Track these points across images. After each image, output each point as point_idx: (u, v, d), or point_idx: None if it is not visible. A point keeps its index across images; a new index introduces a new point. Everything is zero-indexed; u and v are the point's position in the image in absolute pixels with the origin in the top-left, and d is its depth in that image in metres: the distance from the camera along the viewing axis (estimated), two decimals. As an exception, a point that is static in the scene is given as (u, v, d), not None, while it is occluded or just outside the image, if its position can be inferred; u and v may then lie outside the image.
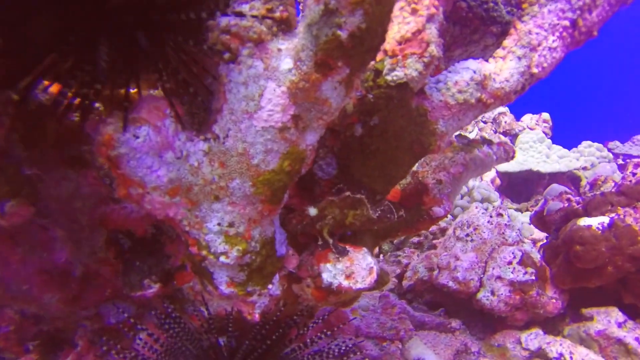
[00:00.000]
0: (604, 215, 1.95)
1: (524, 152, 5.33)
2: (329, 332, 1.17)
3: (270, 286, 0.92)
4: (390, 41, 0.86)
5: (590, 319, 2.09)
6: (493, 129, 5.57)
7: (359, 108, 0.93)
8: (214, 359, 1.11)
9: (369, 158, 1.01)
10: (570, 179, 4.96)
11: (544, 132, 5.67)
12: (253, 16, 0.72)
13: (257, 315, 0.93)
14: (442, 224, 3.12)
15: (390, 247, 3.35)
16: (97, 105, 1.01)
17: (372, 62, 0.91)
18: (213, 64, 0.78)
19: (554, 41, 0.95)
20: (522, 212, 4.29)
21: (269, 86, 0.72)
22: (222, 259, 0.80)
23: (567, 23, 0.93)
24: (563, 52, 0.99)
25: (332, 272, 0.96)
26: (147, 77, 0.92)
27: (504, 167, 4.94)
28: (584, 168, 5.14)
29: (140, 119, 0.67)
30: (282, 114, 0.73)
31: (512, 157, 1.45)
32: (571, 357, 1.96)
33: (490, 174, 4.80)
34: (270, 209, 0.82)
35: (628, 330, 1.96)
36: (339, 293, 0.99)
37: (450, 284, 2.18)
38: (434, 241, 3.01)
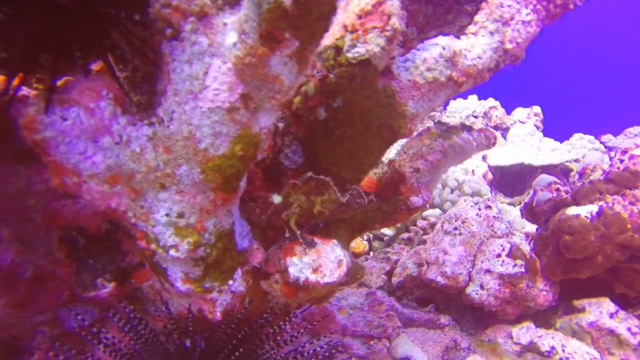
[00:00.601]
0: (592, 203, 1.91)
1: (516, 145, 5.30)
2: (303, 331, 1.11)
3: (230, 282, 0.86)
4: (350, 15, 0.81)
5: (582, 310, 2.04)
6: (484, 123, 5.54)
7: (320, 89, 0.87)
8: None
9: (336, 144, 0.95)
10: (562, 171, 4.94)
11: (535, 126, 5.65)
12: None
13: (218, 314, 0.87)
14: (433, 218, 3.06)
15: (380, 244, 3.30)
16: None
17: (333, 40, 0.85)
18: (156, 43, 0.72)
19: (527, 14, 0.90)
20: (514, 206, 4.25)
21: (214, 63, 0.67)
22: (172, 252, 0.74)
23: (539, -6, 0.88)
24: (538, 27, 0.93)
25: (299, 266, 0.91)
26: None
27: (496, 160, 4.91)
28: (576, 160, 5.12)
29: (70, 99, 0.61)
30: (229, 93, 0.68)
31: (494, 144, 1.40)
32: (563, 350, 1.90)
33: (481, 168, 4.76)
34: (224, 198, 0.76)
35: (620, 321, 1.91)
36: (307, 288, 0.93)
37: (439, 279, 2.12)
38: (424, 237, 2.95)
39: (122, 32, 0.74)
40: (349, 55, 0.82)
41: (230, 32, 0.66)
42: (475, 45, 0.93)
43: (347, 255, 0.97)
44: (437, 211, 3.19)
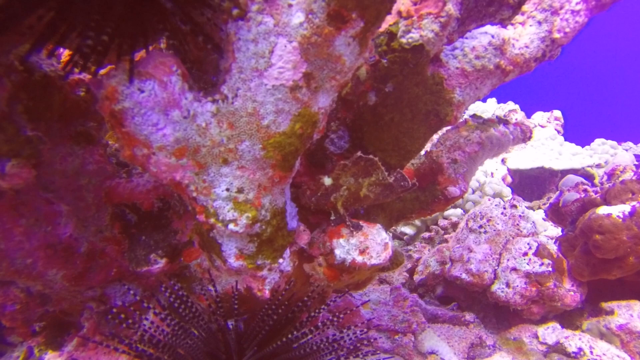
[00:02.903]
0: (624, 203, 1.89)
1: (536, 149, 5.24)
2: (341, 315, 1.12)
3: (281, 260, 0.88)
4: (404, 2, 0.83)
5: (611, 313, 2.01)
6: (503, 126, 5.48)
7: (372, 74, 0.89)
8: (222, 342, 1.08)
9: (383, 130, 0.97)
10: (583, 176, 4.87)
11: (555, 130, 5.58)
12: (263, -32, 0.69)
13: (267, 292, 0.89)
14: (454, 218, 3.06)
15: (400, 243, 3.30)
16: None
17: (387, 26, 0.87)
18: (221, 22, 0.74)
19: (577, 4, 0.91)
20: (534, 210, 4.21)
21: (280, 42, 0.69)
22: (231, 226, 0.77)
23: (591, -17, 0.89)
24: (587, 17, 0.94)
25: (346, 248, 0.92)
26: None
27: (515, 164, 4.87)
28: (598, 165, 5.05)
29: (146, 72, 0.64)
30: (294, 72, 0.70)
31: (529, 138, 1.40)
32: (591, 352, 1.88)
33: (500, 171, 4.73)
34: (281, 176, 0.78)
35: (651, 324, 1.88)
36: (352, 270, 0.95)
37: (464, 276, 2.12)
38: (445, 236, 2.95)
39: (182, 16, 0.77)
40: (403, 40, 0.84)
41: (297, 12, 0.68)
42: (523, 35, 0.94)
43: (391, 239, 0.99)
44: (458, 211, 3.18)
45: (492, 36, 0.91)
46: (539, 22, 0.93)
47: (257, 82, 0.70)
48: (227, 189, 0.75)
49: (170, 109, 0.68)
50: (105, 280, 1.07)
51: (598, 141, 5.47)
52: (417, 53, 0.85)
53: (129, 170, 1.13)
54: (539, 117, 5.92)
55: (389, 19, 0.87)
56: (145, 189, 0.93)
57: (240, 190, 0.76)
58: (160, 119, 0.67)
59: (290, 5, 0.70)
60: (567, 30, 0.94)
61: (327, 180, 0.88)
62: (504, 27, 1.04)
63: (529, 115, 5.88)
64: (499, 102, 6.06)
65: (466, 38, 0.93)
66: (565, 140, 5.25)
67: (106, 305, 1.12)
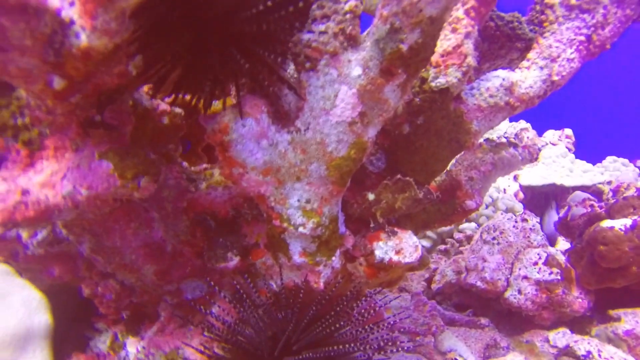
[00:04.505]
0: (626, 218, 2.06)
1: (547, 166, 5.38)
2: (372, 312, 1.32)
3: (334, 258, 1.09)
4: (434, 54, 1.05)
5: (618, 319, 2.17)
6: (515, 144, 5.64)
7: (407, 110, 1.12)
8: (280, 329, 1.28)
9: (414, 153, 1.19)
10: (595, 193, 4.99)
11: (567, 148, 5.71)
12: (323, 32, 0.92)
13: (322, 284, 1.11)
14: (469, 231, 3.24)
15: (417, 255, 3.48)
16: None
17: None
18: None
19: (571, 53, 1.13)
20: (546, 225, 4.34)
21: (342, 89, 0.92)
22: (301, 229, 0.99)
23: (582, 38, 1.11)
24: (579, 63, 1.16)
25: (384, 249, 1.14)
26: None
27: (527, 180, 5.01)
28: (609, 182, 5.16)
29: (246, 112, 0.88)
30: (352, 111, 0.93)
31: (536, 159, 1.61)
32: (599, 355, 2.03)
33: (513, 188, 4.88)
34: (338, 190, 1.01)
35: (655, 329, 2.03)
36: (389, 268, 1.16)
37: (479, 283, 2.30)
38: (460, 248, 3.12)
39: (267, 68, 1.01)
40: (432, 84, 1.07)
41: (356, 67, 0.91)
42: (528, 77, 1.17)
43: (419, 242, 1.20)
44: (472, 225, 3.36)
45: (503, 79, 1.13)
46: (541, 68, 1.15)
47: (324, 118, 0.93)
48: (298, 200, 0.98)
49: (261, 139, 0.91)
50: (183, 276, 1.29)
51: (609, 159, 5.57)
52: (443, 94, 1.08)
53: (196, 184, 1.36)
54: (550, 134, 6.07)
55: (421, 67, 1.10)
56: (222, 200, 1.16)
57: (308, 201, 0.98)
58: (254, 147, 0.90)
59: (350, 61, 0.93)
60: (564, 73, 1.15)
61: (371, 196, 1.10)
62: (513, 67, 1.26)
63: (540, 134, 6.03)
64: (511, 121, 6.23)
65: (482, 80, 1.16)
66: (577, 157, 5.36)
67: (179, 298, 1.34)
